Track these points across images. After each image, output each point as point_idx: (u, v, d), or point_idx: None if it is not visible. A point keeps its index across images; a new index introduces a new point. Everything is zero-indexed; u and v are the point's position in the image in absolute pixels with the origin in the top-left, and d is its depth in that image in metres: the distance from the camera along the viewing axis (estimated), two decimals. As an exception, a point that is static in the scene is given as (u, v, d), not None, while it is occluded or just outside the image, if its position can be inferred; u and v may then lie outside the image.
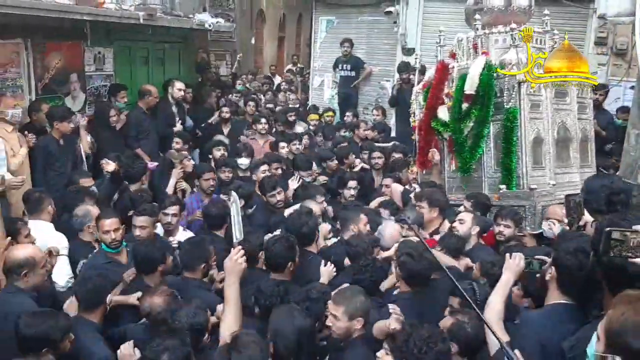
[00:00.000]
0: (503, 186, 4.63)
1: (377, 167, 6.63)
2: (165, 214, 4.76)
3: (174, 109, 8.03)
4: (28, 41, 6.49)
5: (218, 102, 9.82)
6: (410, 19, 9.47)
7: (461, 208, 4.54)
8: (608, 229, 2.00)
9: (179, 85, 8.12)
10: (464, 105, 4.79)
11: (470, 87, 4.70)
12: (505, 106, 4.63)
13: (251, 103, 9.15)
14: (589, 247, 2.40)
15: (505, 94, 4.63)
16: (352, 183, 6.00)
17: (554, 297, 2.61)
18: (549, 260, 2.74)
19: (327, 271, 3.77)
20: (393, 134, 9.12)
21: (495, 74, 4.64)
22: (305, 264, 3.95)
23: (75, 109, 7.06)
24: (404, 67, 8.83)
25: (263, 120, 7.83)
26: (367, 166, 6.89)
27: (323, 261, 3.87)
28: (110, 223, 4.14)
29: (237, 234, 3.38)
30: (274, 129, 8.47)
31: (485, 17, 5.08)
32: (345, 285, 3.32)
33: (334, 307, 2.96)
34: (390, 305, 3.06)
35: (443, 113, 5.04)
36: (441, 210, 4.50)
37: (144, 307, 3.30)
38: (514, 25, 4.73)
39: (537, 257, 2.83)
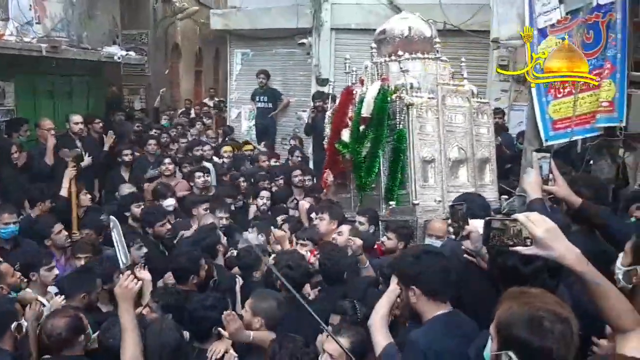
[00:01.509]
0: (392, 202, 4.81)
1: (299, 185, 6.90)
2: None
3: (78, 143, 7.66)
4: None
5: (140, 136, 9.51)
6: (322, 50, 9.66)
7: (357, 223, 4.70)
8: (488, 218, 2.04)
9: (75, 119, 7.67)
10: (362, 128, 4.98)
11: (366, 111, 4.90)
12: (397, 128, 4.82)
13: (152, 141, 8.29)
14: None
15: (397, 117, 4.81)
16: (265, 193, 6.36)
17: (430, 310, 2.56)
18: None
19: None
20: (311, 163, 9.18)
21: (389, 98, 4.85)
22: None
23: (-30, 146, 6.62)
24: (318, 95, 8.97)
25: (167, 160, 7.25)
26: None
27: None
28: None
29: (123, 258, 3.31)
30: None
31: (389, 46, 5.31)
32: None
33: (248, 302, 3.30)
34: None
35: (346, 135, 5.21)
36: (339, 223, 4.69)
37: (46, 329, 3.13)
38: (401, 53, 5.04)
39: None
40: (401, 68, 4.95)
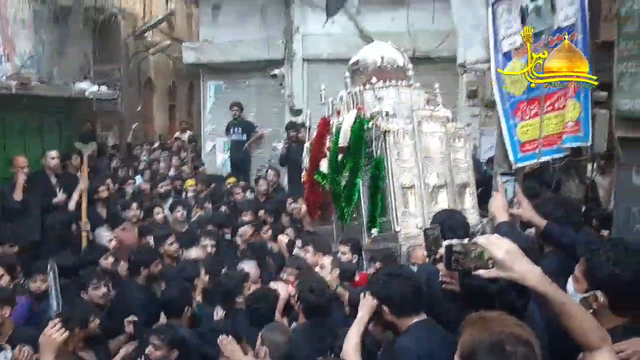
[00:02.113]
0: (374, 230, 4.78)
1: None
2: None
3: (53, 180, 7.54)
4: None
5: (116, 171, 9.40)
6: (295, 81, 9.73)
7: (339, 254, 4.66)
8: (448, 243, 2.03)
9: (50, 154, 7.54)
10: (339, 157, 5.00)
11: (343, 140, 4.92)
12: (374, 156, 4.83)
13: (108, 181, 7.83)
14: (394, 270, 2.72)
15: (374, 144, 4.82)
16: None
17: (404, 323, 2.65)
18: None
19: None
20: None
21: (366, 126, 4.87)
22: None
23: None
24: (291, 126, 9.01)
25: (134, 205, 6.90)
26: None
27: None
28: None
29: (54, 305, 3.22)
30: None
31: (363, 75, 5.38)
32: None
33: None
34: None
35: (324, 166, 5.23)
36: (324, 254, 4.66)
37: None
38: (374, 80, 5.11)
39: None
40: (376, 96, 4.98)
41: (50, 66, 8.99)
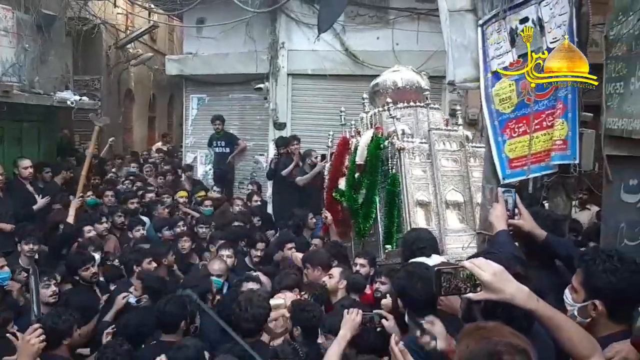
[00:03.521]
0: (388, 246, 4.86)
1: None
2: None
3: (30, 187, 7.43)
4: None
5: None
6: (279, 95, 9.77)
7: (358, 266, 4.69)
8: (437, 268, 2.07)
9: (24, 163, 7.49)
10: (356, 175, 5.17)
11: (360, 158, 5.07)
12: (390, 173, 4.95)
13: (108, 192, 8.37)
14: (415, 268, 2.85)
15: (389, 162, 4.95)
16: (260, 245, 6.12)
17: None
18: (378, 312, 3.10)
19: None
20: (269, 207, 9.16)
21: (382, 144, 5.02)
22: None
23: None
24: (281, 142, 9.02)
25: (103, 219, 6.88)
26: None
27: None
28: None
29: (35, 309, 3.18)
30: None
31: (382, 97, 5.60)
32: None
33: None
34: None
35: (342, 183, 5.43)
36: (324, 268, 4.66)
37: None
38: (389, 100, 5.26)
39: (376, 311, 3.14)
40: (392, 116, 5.12)
41: (32, 75, 8.86)
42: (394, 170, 4.93)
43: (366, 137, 5.16)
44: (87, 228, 6.51)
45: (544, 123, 4.01)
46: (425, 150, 5.04)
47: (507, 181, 4.31)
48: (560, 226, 3.63)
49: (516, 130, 4.24)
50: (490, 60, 4.45)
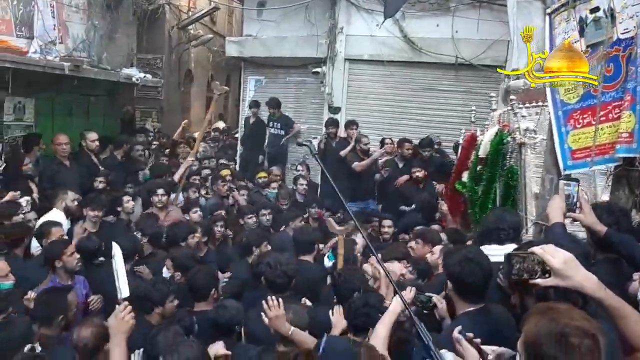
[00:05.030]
0: None
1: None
2: None
3: (94, 159, 7.76)
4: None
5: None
6: (336, 80, 9.83)
7: None
8: (507, 253, 2.11)
9: (91, 136, 7.73)
10: (479, 167, 5.40)
11: (483, 152, 5.29)
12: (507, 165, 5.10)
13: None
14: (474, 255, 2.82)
15: (509, 156, 5.09)
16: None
17: (459, 307, 2.81)
18: (435, 296, 3.17)
19: None
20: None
21: (505, 140, 5.16)
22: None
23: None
24: (331, 122, 9.13)
25: (160, 191, 6.85)
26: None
27: None
28: None
29: (121, 288, 3.26)
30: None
31: (511, 97, 5.61)
32: None
33: None
34: None
35: (466, 176, 5.72)
36: (433, 245, 4.96)
37: (73, 339, 3.13)
38: (512, 97, 5.38)
39: (426, 293, 3.24)
40: (517, 114, 5.24)
41: (100, 51, 9.25)
42: (512, 162, 5.09)
43: (490, 132, 5.40)
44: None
45: (610, 115, 3.94)
46: (545, 145, 5.11)
47: (568, 172, 4.27)
48: (625, 219, 3.56)
49: (580, 121, 4.18)
50: (557, 49, 4.40)
